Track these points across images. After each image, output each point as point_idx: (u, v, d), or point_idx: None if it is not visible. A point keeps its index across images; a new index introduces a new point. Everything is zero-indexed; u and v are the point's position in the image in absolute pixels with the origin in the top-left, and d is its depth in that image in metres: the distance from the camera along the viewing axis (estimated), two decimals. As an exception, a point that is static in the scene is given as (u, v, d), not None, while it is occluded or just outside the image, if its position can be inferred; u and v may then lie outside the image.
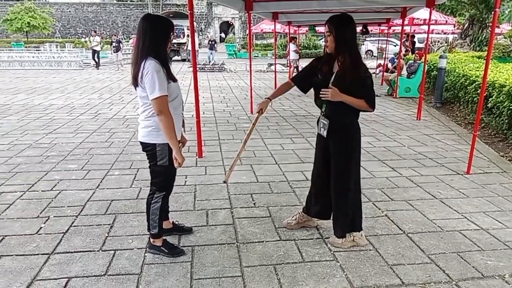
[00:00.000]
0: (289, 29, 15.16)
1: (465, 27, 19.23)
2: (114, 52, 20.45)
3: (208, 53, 22.84)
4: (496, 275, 2.79)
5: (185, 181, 4.53)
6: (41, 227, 3.42)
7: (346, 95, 2.86)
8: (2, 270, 2.79)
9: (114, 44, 20.17)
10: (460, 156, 5.53)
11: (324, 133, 3.08)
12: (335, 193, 3.14)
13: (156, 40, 2.66)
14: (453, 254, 3.06)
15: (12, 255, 2.98)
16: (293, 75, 15.48)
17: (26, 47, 29.78)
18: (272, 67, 14.39)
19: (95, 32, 21.42)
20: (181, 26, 25.36)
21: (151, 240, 3.02)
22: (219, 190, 4.29)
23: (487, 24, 17.86)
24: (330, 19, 2.89)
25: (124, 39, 40.52)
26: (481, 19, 18.17)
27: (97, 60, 20.18)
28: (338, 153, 3.07)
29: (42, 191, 4.22)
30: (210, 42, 23.45)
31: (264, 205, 3.92)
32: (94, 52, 20.16)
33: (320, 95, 2.96)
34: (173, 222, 3.34)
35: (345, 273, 2.81)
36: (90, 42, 20.48)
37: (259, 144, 6.13)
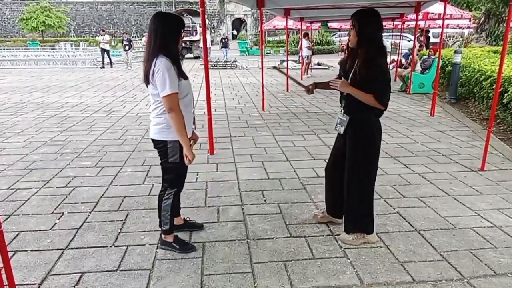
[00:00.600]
0: (301, 25, 15.11)
1: (481, 21, 18.89)
2: (124, 51, 20.24)
3: (223, 50, 23.01)
4: (509, 272, 2.75)
5: (197, 177, 4.56)
6: (55, 223, 3.49)
7: (353, 88, 2.83)
8: (17, 265, 2.86)
9: (125, 42, 19.97)
10: (474, 153, 5.45)
11: (341, 130, 3.06)
12: (347, 192, 3.12)
13: (167, 38, 2.69)
14: (465, 251, 3.02)
15: (27, 250, 3.05)
16: (306, 71, 15.41)
17: (41, 46, 30.22)
18: (284, 64, 14.35)
19: (103, 31, 20.94)
20: (194, 24, 25.44)
21: (163, 236, 3.05)
22: (230, 187, 4.31)
23: (504, 18, 17.50)
24: (354, 13, 2.85)
25: (138, 37, 40.90)
26: (497, 13, 17.82)
27: (108, 59, 19.91)
28: (353, 151, 3.04)
29: (56, 187, 4.30)
30: (223, 40, 23.46)
31: (274, 202, 3.93)
32: (103, 51, 19.75)
33: (330, 84, 2.95)
34: (184, 218, 3.37)
35: (355, 270, 2.80)
36: (99, 41, 20.19)
37: (270, 141, 6.13)
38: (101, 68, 19.46)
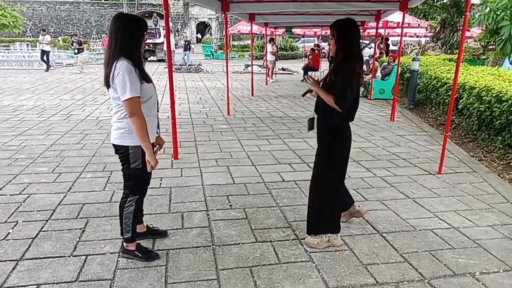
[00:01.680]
0: (265, 31, 15.22)
1: (437, 31, 19.70)
2: (75, 54, 18.83)
3: (183, 54, 22.16)
4: (467, 272, 2.86)
5: (160, 183, 4.46)
6: (9, 233, 3.30)
7: (320, 88, 2.95)
8: (-33, 278, 2.68)
9: (75, 44, 18.47)
10: (432, 156, 5.66)
11: (314, 127, 3.15)
12: (310, 192, 3.19)
13: (128, 40, 2.61)
14: (425, 252, 3.12)
15: (-23, 262, 2.87)
16: (270, 76, 15.51)
17: (-5, 46, 28.78)
18: (249, 68, 14.39)
19: (44, 30, 18.84)
20: (158, 26, 25.05)
21: (125, 244, 2.95)
22: (195, 192, 4.25)
23: (458, 28, 18.37)
24: (333, 24, 2.95)
25: (98, 38, 39.80)
26: (452, 22, 18.67)
27: (46, 61, 17.89)
28: (319, 151, 3.14)
29: (10, 195, 4.08)
30: (185, 43, 22.95)
31: (240, 207, 3.90)
32: (43, 52, 17.84)
33: (305, 78, 3.05)
34: (147, 225, 3.27)
35: (320, 274, 2.82)
36: (40, 41, 18.13)
37: (236, 145, 6.10)
38: (45, 71, 17.60)
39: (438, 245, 3.24)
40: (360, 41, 3.13)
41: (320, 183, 3.13)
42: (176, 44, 34.13)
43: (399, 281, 2.75)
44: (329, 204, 3.14)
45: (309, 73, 15.31)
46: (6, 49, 24.58)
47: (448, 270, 2.88)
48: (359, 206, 3.53)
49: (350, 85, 2.89)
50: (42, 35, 17.96)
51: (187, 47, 22.38)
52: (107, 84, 2.63)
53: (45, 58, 17.89)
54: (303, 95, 3.51)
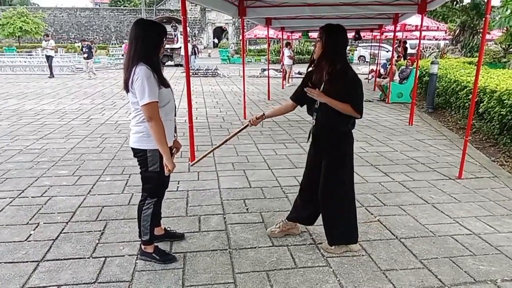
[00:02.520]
0: (282, 35, 15.24)
1: (456, 33, 19.40)
2: (84, 59, 18.02)
3: (191, 58, 22.17)
4: (488, 280, 2.80)
5: (177, 186, 4.50)
6: (30, 234, 3.37)
7: (330, 98, 2.85)
8: (-10, 278, 2.75)
9: (84, 49, 17.60)
10: (452, 161, 5.56)
11: (310, 140, 3.11)
12: (325, 203, 3.11)
13: (147, 46, 2.65)
14: (445, 259, 3.06)
15: (0, 263, 2.94)
16: (287, 80, 15.51)
17: (18, 52, 29.59)
18: (266, 73, 14.42)
19: (47, 35, 18.58)
20: (176, 31, 25.35)
21: (143, 246, 2.99)
22: (211, 196, 4.27)
23: (478, 30, 18.05)
24: (322, 27, 2.92)
25: (118, 44, 40.50)
26: (472, 25, 18.36)
27: (50, 66, 17.58)
28: (330, 162, 3.05)
29: (32, 197, 4.17)
30: (192, 48, 22.40)
31: (257, 211, 3.90)
32: (47, 57, 17.41)
33: (307, 91, 2.94)
34: (165, 228, 3.31)
35: (338, 279, 2.80)
36: (43, 46, 17.73)
37: (252, 149, 6.12)
38: (49, 77, 17.30)
39: (459, 251, 3.18)
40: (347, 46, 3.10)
41: (338, 193, 3.05)
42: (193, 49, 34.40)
43: (418, 287, 2.71)
44: (347, 214, 3.10)
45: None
46: (28, 55, 25.21)
47: (468, 277, 2.82)
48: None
49: (360, 88, 2.92)
50: (45, 41, 17.62)
51: (193, 51, 22.12)
52: (126, 88, 2.67)
53: (48, 63, 17.59)
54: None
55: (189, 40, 42.03)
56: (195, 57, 22.27)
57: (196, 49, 23.34)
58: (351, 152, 3.07)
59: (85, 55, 17.77)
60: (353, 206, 3.15)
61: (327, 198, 3.09)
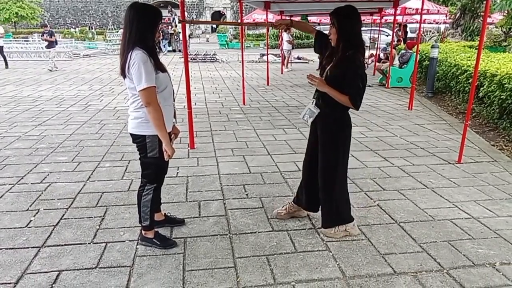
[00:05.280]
0: (281, 19, 15.06)
1: (456, 17, 19.18)
2: (46, 48, 15.40)
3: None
4: (487, 263, 2.82)
5: (177, 172, 4.50)
6: (31, 220, 3.38)
7: (331, 88, 2.82)
8: (-8, 264, 2.76)
9: (46, 36, 14.77)
10: (451, 146, 5.56)
11: (309, 121, 3.07)
12: (321, 186, 3.13)
13: (143, 30, 2.60)
14: (444, 242, 3.08)
15: (1, 249, 2.95)
16: (286, 65, 15.36)
17: (14, 37, 29.29)
18: (264, 58, 14.31)
19: None
20: (174, 16, 25.09)
21: (143, 232, 3.00)
22: (211, 182, 4.27)
23: (479, 14, 17.87)
24: (333, 11, 2.83)
25: (115, 29, 40.08)
26: (472, 8, 18.15)
27: (3, 56, 15.51)
28: (325, 145, 3.04)
29: (31, 183, 4.17)
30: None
31: (256, 196, 3.91)
32: None
33: (308, 80, 2.92)
34: (165, 214, 3.31)
35: (337, 263, 2.81)
36: None
37: (251, 135, 6.10)
38: (6, 68, 15.17)
39: (457, 235, 3.19)
40: (362, 29, 3.02)
41: (331, 175, 3.06)
42: (191, 34, 34.13)
43: (417, 271, 2.73)
44: (343, 194, 3.12)
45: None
46: (24, 41, 24.98)
47: (467, 261, 2.84)
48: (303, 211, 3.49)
49: (362, 81, 2.80)
50: None
51: (163, 36, 21.67)
52: (123, 74, 2.64)
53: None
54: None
55: (192, 25, 41.40)
56: (167, 43, 21.94)
57: (164, 34, 22.43)
58: (344, 137, 3.02)
59: (47, 43, 15.09)
60: (345, 189, 3.15)
61: (321, 182, 3.11)
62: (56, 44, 15.98)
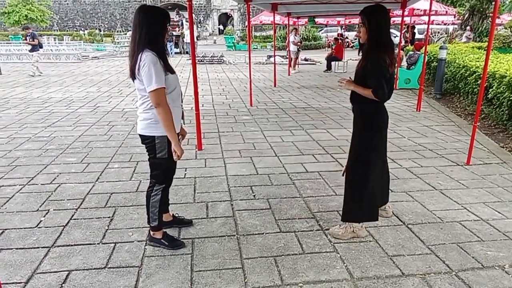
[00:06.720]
0: (288, 21, 15.07)
1: (465, 18, 19.09)
2: (30, 51, 14.37)
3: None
4: (496, 265, 2.80)
5: (185, 173, 4.52)
6: (41, 221, 3.42)
7: (355, 85, 2.93)
8: (2, 263, 2.80)
9: (28, 39, 14.08)
10: (460, 147, 5.52)
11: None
12: (345, 179, 3.20)
13: (152, 32, 2.63)
14: (453, 244, 3.06)
15: (12, 249, 2.99)
16: (293, 66, 15.34)
17: (24, 40, 29.56)
18: (272, 59, 14.33)
19: None
20: (181, 18, 25.22)
21: (151, 232, 3.02)
22: (219, 183, 4.29)
23: (488, 15, 17.75)
24: (363, 10, 2.91)
25: (123, 31, 40.37)
26: (481, 9, 18.05)
27: None
28: (353, 140, 3.15)
29: (41, 184, 4.22)
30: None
31: (264, 197, 3.92)
32: None
33: (337, 83, 3.05)
34: (173, 214, 3.33)
35: (345, 264, 2.81)
36: None
37: (259, 137, 6.11)
38: None
39: (466, 237, 3.17)
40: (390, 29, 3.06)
41: (352, 172, 3.13)
42: (198, 36, 34.25)
43: (426, 273, 2.71)
44: (359, 192, 3.10)
45: (333, 63, 15.13)
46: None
47: (476, 263, 2.82)
48: (389, 207, 3.50)
49: (382, 74, 2.83)
50: None
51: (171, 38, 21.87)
52: (133, 75, 2.67)
53: None
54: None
55: (200, 27, 41.48)
56: (172, 45, 22.11)
57: (169, 36, 22.85)
58: (373, 132, 3.05)
59: (30, 47, 14.18)
60: (371, 186, 3.11)
61: (346, 175, 3.18)
62: (41, 47, 15.27)
